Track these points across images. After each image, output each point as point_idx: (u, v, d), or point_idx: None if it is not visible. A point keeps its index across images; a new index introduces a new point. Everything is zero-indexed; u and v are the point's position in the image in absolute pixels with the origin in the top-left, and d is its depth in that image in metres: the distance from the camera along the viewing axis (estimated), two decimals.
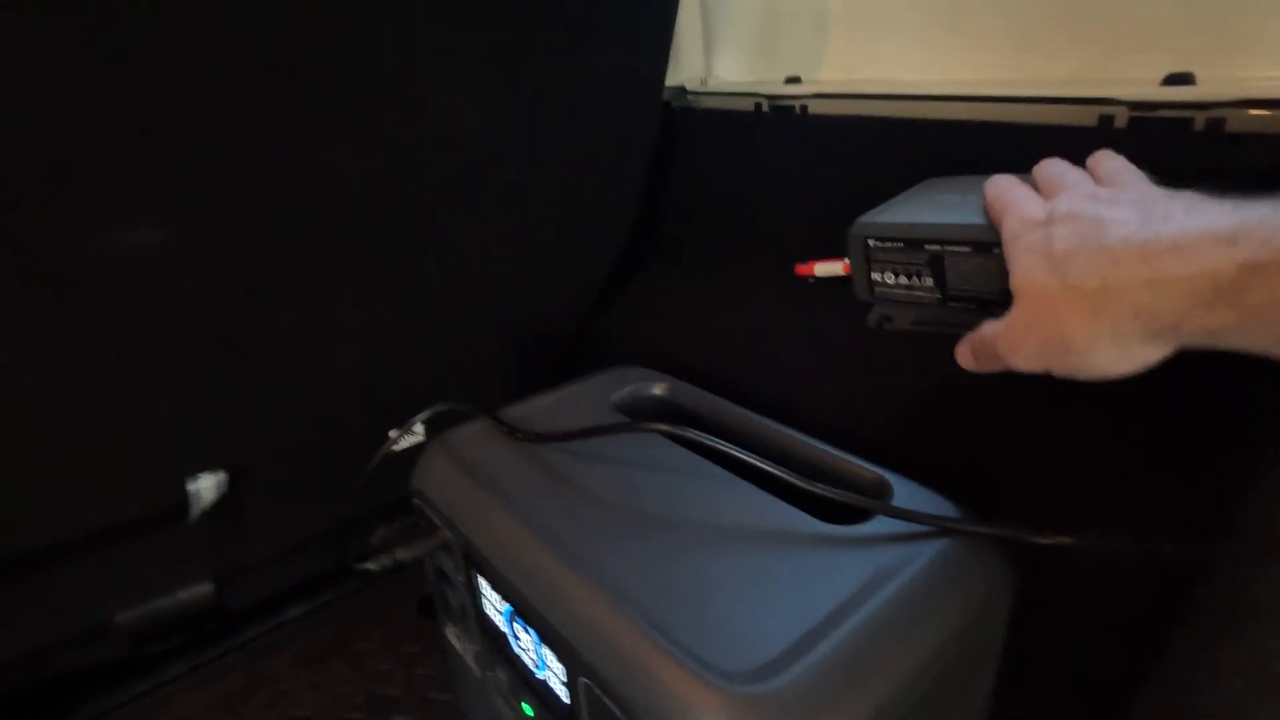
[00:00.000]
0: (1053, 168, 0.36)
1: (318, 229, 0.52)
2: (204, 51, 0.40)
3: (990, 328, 0.36)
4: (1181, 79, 0.49)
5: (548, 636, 0.35)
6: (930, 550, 0.34)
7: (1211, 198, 0.26)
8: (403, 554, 0.43)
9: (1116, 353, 0.29)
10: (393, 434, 0.57)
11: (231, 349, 0.54)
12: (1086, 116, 0.51)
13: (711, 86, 0.81)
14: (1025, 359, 0.33)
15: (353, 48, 0.46)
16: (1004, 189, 0.36)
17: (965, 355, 0.38)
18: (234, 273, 0.50)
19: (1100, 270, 0.28)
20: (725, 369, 0.60)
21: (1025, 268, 0.32)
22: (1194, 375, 0.37)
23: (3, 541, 0.53)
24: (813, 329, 0.58)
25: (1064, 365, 0.31)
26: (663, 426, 0.41)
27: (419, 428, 0.64)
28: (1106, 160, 0.34)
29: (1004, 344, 0.34)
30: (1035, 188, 0.36)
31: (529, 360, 0.77)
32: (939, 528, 0.35)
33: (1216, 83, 0.47)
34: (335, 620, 0.72)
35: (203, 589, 0.69)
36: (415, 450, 0.53)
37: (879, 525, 0.36)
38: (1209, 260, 0.24)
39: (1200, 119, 0.46)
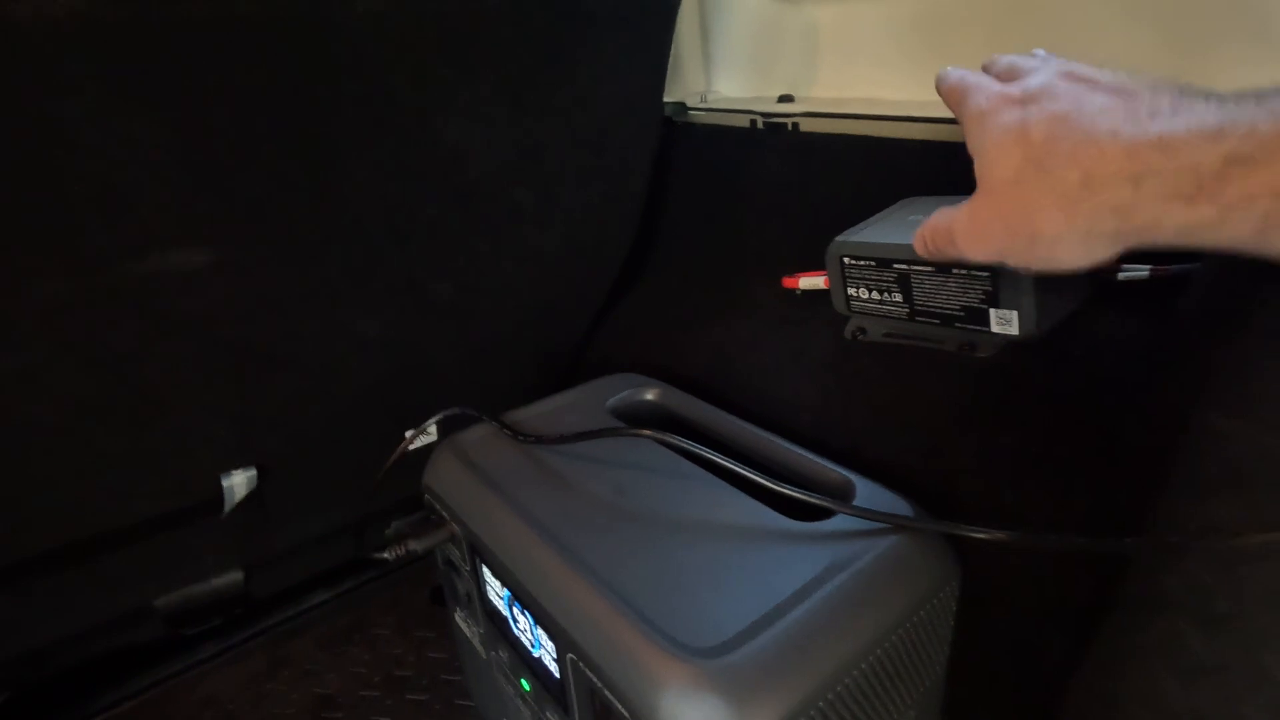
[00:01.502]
0: (1009, 57, 0.33)
1: (339, 249, 0.57)
2: (244, 95, 0.45)
3: (946, 215, 0.34)
4: None
5: (541, 619, 0.39)
6: (882, 545, 0.38)
7: (1196, 94, 0.25)
8: (415, 545, 0.47)
9: (1083, 249, 0.27)
10: (409, 434, 0.62)
11: (261, 358, 0.59)
12: None
13: (710, 103, 0.85)
14: (984, 249, 0.31)
15: (372, 86, 0.50)
16: (963, 74, 0.33)
17: (919, 243, 0.37)
18: (264, 289, 0.55)
19: (1083, 162, 0.26)
20: (715, 377, 0.64)
21: (997, 148, 0.29)
22: (1121, 390, 0.41)
23: (59, 530, 0.59)
24: (796, 340, 0.61)
25: (1025, 257, 0.30)
26: (649, 432, 0.45)
27: (432, 428, 0.69)
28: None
29: (963, 232, 0.32)
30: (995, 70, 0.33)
31: (533, 366, 0.81)
32: (891, 525, 0.39)
33: None
34: (353, 607, 0.77)
35: (233, 576, 0.75)
36: (426, 450, 0.57)
37: (839, 522, 0.40)
38: (1194, 154, 0.23)
39: None
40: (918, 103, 0.65)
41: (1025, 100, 0.28)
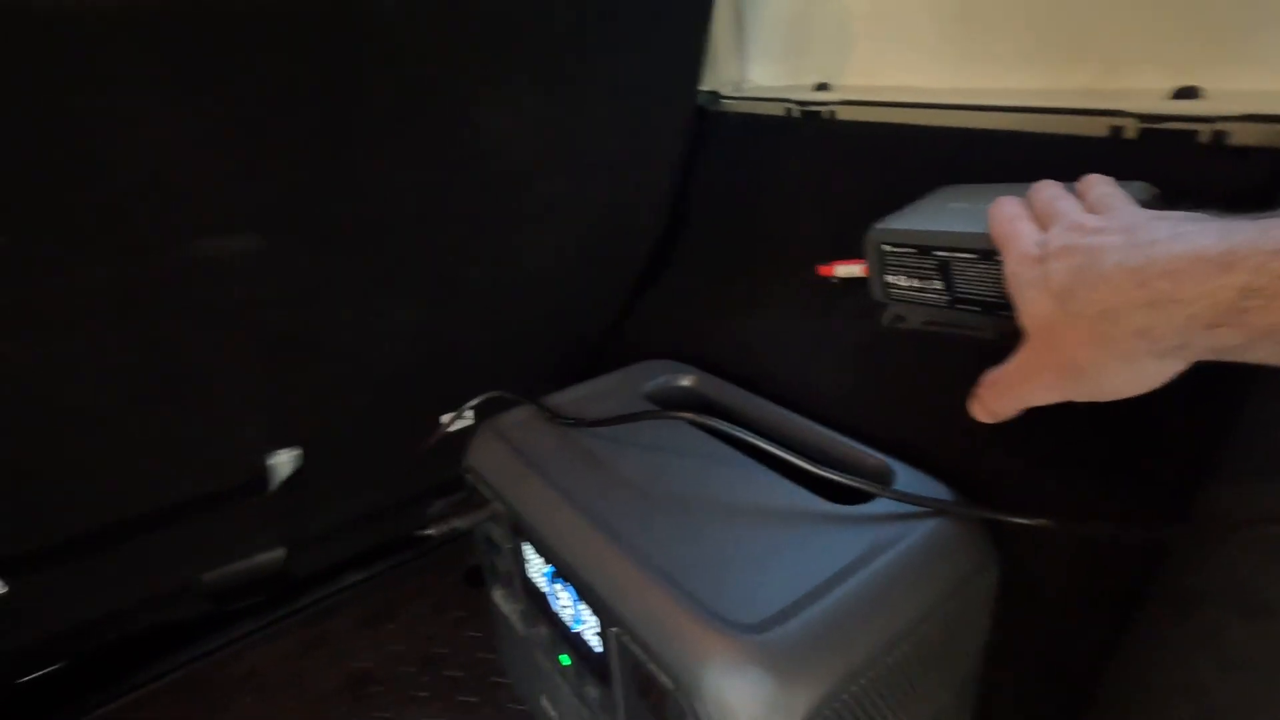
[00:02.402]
0: (1046, 192, 0.37)
1: (377, 238, 0.58)
2: (285, 86, 0.46)
3: (995, 372, 0.36)
4: (1189, 92, 0.52)
5: (584, 593, 0.40)
6: (922, 529, 0.38)
7: (1196, 217, 0.27)
8: (458, 523, 0.49)
9: (1129, 373, 0.29)
10: (444, 419, 0.63)
11: (302, 344, 0.61)
12: (1098, 127, 0.54)
13: (745, 92, 0.85)
14: (1042, 390, 0.33)
15: (409, 77, 0.51)
16: (1003, 219, 0.37)
17: (978, 408, 0.38)
18: (304, 277, 0.57)
19: (1098, 297, 0.28)
20: (749, 363, 0.64)
21: (1029, 302, 0.32)
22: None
23: (110, 508, 0.61)
24: (830, 328, 0.61)
25: (1079, 391, 0.31)
26: (688, 414, 0.46)
27: (469, 413, 0.71)
28: (1096, 185, 0.36)
29: (1018, 378, 0.34)
30: (1032, 211, 0.37)
31: (567, 353, 0.82)
32: (932, 509, 0.39)
33: (1222, 97, 0.50)
34: (389, 588, 0.79)
35: (274, 554, 0.77)
36: (460, 436, 0.59)
37: (878, 506, 0.40)
38: (1205, 285, 0.24)
39: (1205, 131, 0.49)
40: (954, 89, 0.65)
41: (1044, 259, 0.32)
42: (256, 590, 0.77)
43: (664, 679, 0.34)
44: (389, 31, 0.48)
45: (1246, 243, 0.24)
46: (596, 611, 0.39)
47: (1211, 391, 0.38)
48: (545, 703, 0.53)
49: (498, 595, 0.56)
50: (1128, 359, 0.28)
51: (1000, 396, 0.36)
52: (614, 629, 0.37)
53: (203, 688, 0.68)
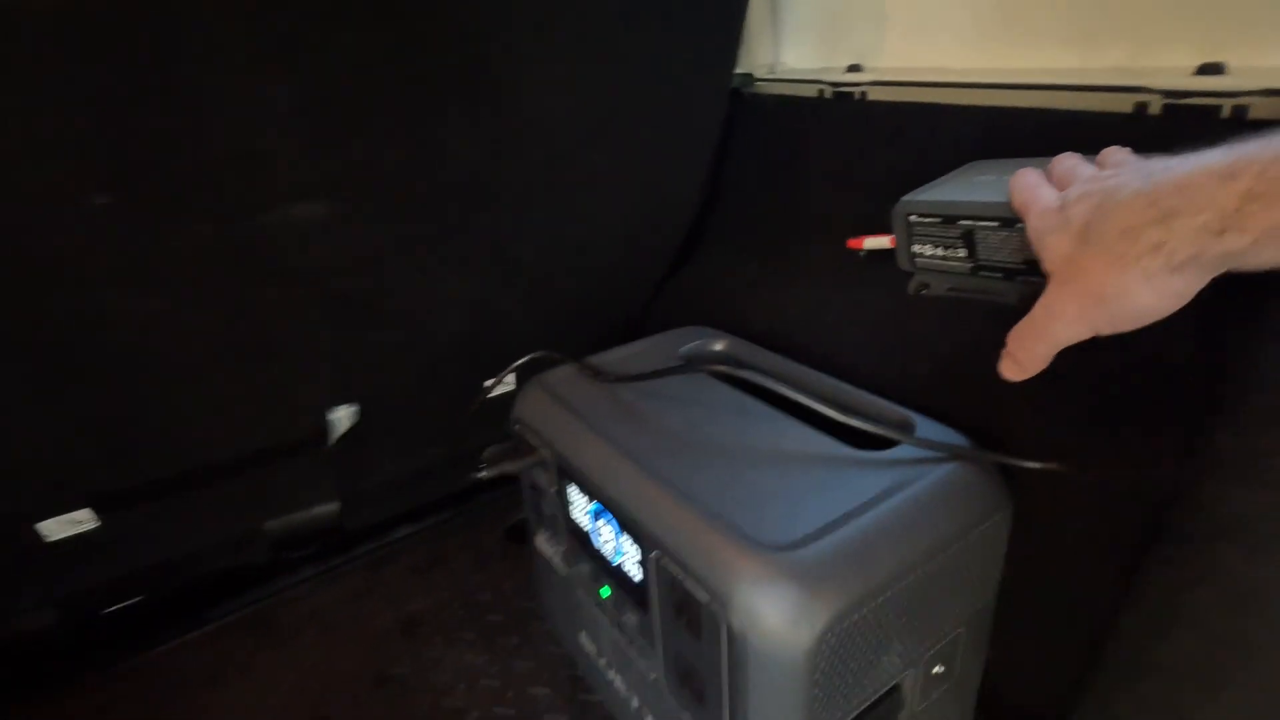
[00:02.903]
0: (1066, 162, 0.39)
1: (435, 210, 0.62)
2: (359, 63, 0.50)
3: (1022, 323, 0.38)
4: (1213, 69, 0.53)
5: (626, 525, 0.44)
6: (940, 471, 0.41)
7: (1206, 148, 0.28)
8: (509, 466, 0.53)
9: (1150, 292, 0.30)
10: (488, 384, 0.68)
11: (364, 307, 0.66)
12: (1124, 104, 0.56)
13: (779, 74, 0.87)
14: (1068, 325, 0.34)
15: (469, 56, 0.55)
16: (1024, 187, 0.39)
17: (1008, 364, 0.40)
18: (369, 245, 0.61)
19: (1115, 223, 0.30)
20: (781, 332, 0.67)
21: (1051, 248, 0.34)
22: (1172, 334, 0.43)
23: (190, 455, 0.67)
24: (858, 298, 0.64)
25: (1105, 318, 0.33)
26: (721, 367, 0.49)
27: (511, 377, 0.75)
28: (1113, 152, 0.38)
29: (1044, 320, 0.35)
30: (1052, 179, 0.39)
31: (607, 322, 0.86)
32: (949, 454, 0.42)
33: (1244, 73, 0.51)
34: (435, 542, 0.84)
35: (330, 508, 0.83)
36: (503, 401, 0.63)
37: (900, 452, 0.43)
38: (1211, 195, 0.26)
39: (1226, 106, 0.51)
40: (983, 69, 0.67)
41: (1064, 207, 0.34)
42: (313, 540, 0.82)
43: (700, 594, 0.38)
44: (454, 13, 0.52)
45: (1249, 153, 0.26)
46: (638, 540, 0.43)
47: (1218, 340, 0.40)
48: (584, 639, 0.58)
49: (540, 540, 0.60)
50: (1147, 277, 0.29)
51: (1027, 344, 0.37)
52: (654, 553, 0.41)
53: (269, 624, 0.73)
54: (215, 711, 0.64)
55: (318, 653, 0.69)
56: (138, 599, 0.74)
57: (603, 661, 0.55)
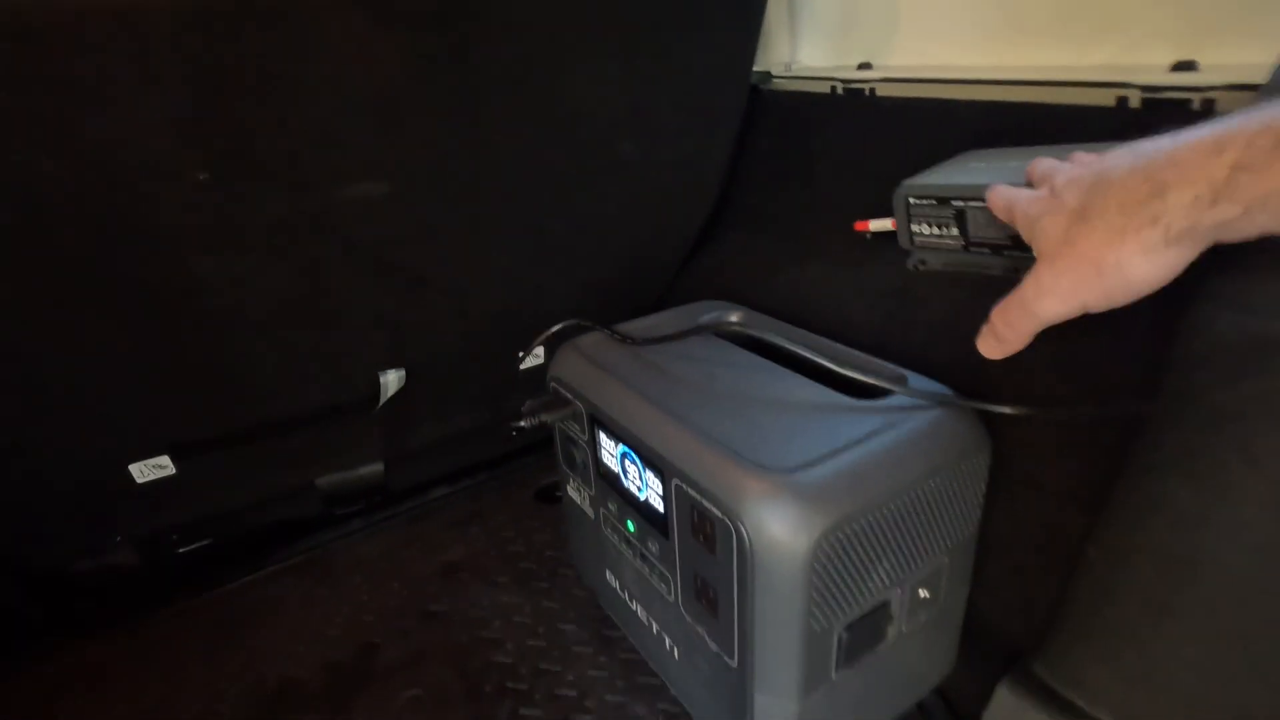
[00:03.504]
0: (1044, 164, 0.41)
1: (483, 190, 0.69)
2: (422, 53, 0.57)
3: (1007, 298, 0.39)
4: (1187, 65, 0.59)
5: (651, 462, 0.50)
6: (928, 415, 0.47)
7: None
8: (546, 416, 0.60)
9: (1147, 263, 0.32)
10: (521, 354, 0.75)
11: (416, 278, 0.73)
12: (1108, 98, 0.62)
13: (795, 72, 0.93)
14: (1059, 301, 0.36)
15: (516, 57, 0.62)
16: (1005, 193, 0.41)
17: (990, 340, 0.42)
18: (423, 220, 0.68)
19: (1113, 197, 0.31)
20: (791, 307, 0.74)
21: (1045, 230, 0.35)
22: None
23: (254, 410, 0.74)
24: (862, 276, 0.70)
25: (1100, 292, 0.34)
26: (736, 327, 0.56)
27: (540, 350, 0.82)
28: (1083, 154, 0.40)
29: (1034, 297, 0.36)
30: (1031, 179, 0.42)
31: (632, 299, 0.93)
32: (936, 401, 0.48)
33: (1214, 70, 0.57)
34: (470, 501, 0.91)
35: (375, 468, 0.90)
36: (536, 373, 0.69)
37: (891, 400, 0.49)
38: (1203, 168, 0.27)
39: (1197, 100, 0.56)
40: (982, 67, 0.73)
41: (1055, 193, 0.35)
42: (359, 498, 0.90)
43: (715, 512, 0.44)
44: (505, 19, 0.59)
45: (1234, 126, 0.27)
46: (661, 473, 0.49)
47: (1171, 297, 0.46)
48: (609, 576, 0.64)
49: (571, 488, 0.67)
50: (1145, 249, 0.31)
51: (1015, 321, 0.38)
52: (675, 481, 0.48)
53: (321, 569, 0.81)
54: (275, 639, 0.71)
55: (366, 593, 0.77)
56: (207, 542, 0.82)
57: (626, 595, 0.62)
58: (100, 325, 0.58)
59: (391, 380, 0.78)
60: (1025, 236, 0.40)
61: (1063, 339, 0.51)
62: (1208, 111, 0.55)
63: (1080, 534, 0.50)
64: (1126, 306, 0.36)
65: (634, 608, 0.61)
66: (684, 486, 0.47)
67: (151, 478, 0.71)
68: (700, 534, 0.46)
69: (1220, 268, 0.42)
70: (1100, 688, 0.52)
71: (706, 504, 0.45)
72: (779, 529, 0.41)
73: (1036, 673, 0.56)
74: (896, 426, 0.46)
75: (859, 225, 0.73)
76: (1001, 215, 0.44)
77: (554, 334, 0.68)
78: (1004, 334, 0.40)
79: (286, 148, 0.56)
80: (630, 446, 0.53)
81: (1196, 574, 0.45)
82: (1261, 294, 0.38)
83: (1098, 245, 0.32)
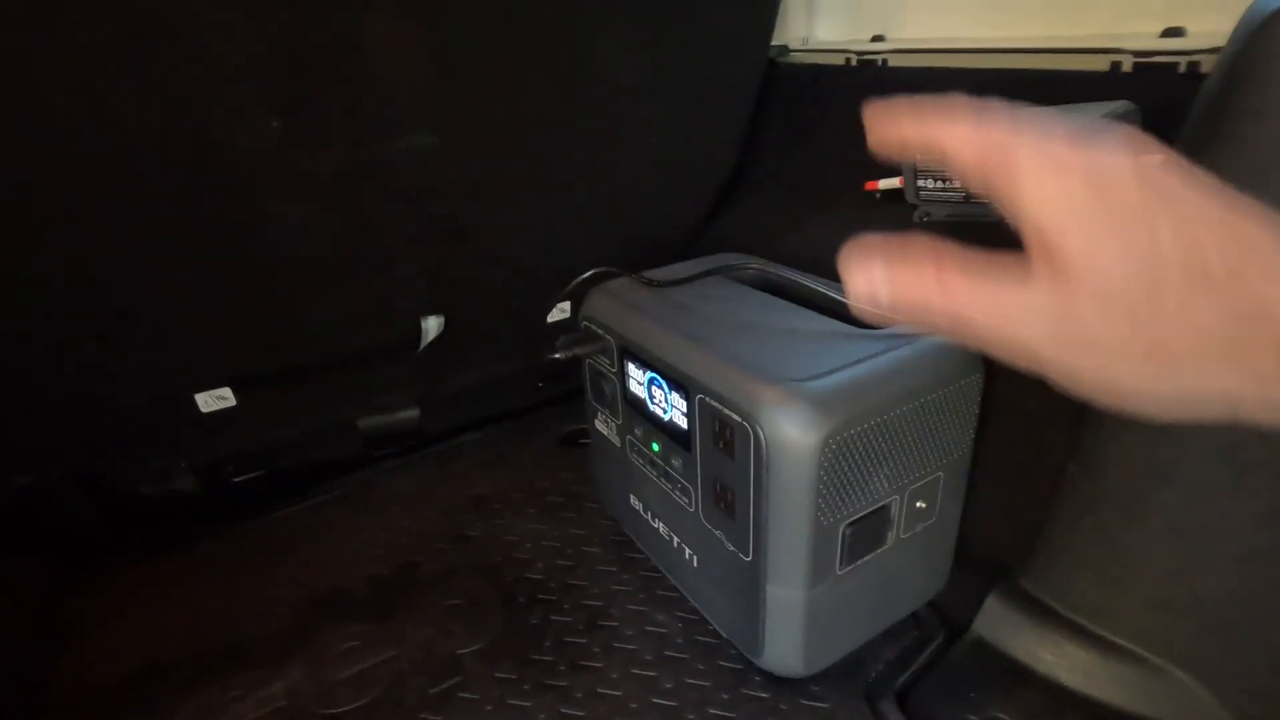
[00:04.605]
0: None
1: (523, 148, 0.75)
2: (478, 24, 0.63)
3: (975, 286, 0.20)
4: (1175, 32, 0.64)
5: (676, 383, 0.56)
6: (927, 341, 0.53)
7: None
8: (579, 350, 0.66)
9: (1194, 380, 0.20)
10: (547, 306, 0.81)
11: (457, 228, 0.79)
12: (1102, 63, 0.67)
13: (811, 45, 0.98)
14: (1045, 350, 0.22)
15: (553, 25, 0.67)
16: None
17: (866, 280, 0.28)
18: (465, 173, 0.74)
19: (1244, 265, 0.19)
20: (805, 257, 0.79)
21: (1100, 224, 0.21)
22: None
23: (309, 349, 0.81)
24: (871, 229, 0.76)
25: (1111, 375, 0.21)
26: (756, 267, 0.61)
27: (565, 305, 0.88)
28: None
29: (1017, 316, 0.24)
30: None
31: (651, 258, 0.98)
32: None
33: (1199, 35, 0.62)
34: (498, 444, 0.97)
35: (411, 413, 0.96)
36: (560, 324, 0.75)
37: (894, 330, 0.55)
38: None
39: (1183, 63, 0.61)
40: (986, 38, 0.78)
41: (1134, 162, 0.22)
42: (395, 441, 0.97)
43: (735, 418, 0.50)
44: None
45: None
46: (685, 389, 0.55)
47: None
48: (633, 500, 0.70)
49: (599, 421, 0.73)
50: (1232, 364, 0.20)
51: (966, 311, 0.23)
52: (699, 396, 0.54)
53: (361, 501, 0.87)
54: (323, 558, 0.78)
55: (403, 520, 0.83)
56: (258, 473, 0.88)
57: (649, 515, 0.68)
58: (181, 261, 0.65)
59: (432, 325, 0.85)
60: (1037, 213, 0.25)
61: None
62: (1192, 73, 0.60)
63: (1063, 457, 0.56)
64: None
65: (656, 525, 0.67)
66: (707, 399, 0.53)
67: (215, 408, 0.78)
68: (720, 441, 0.52)
69: None
70: (1078, 593, 0.58)
71: (728, 412, 0.50)
72: (791, 430, 0.47)
73: (1023, 585, 0.62)
74: (897, 349, 0.52)
75: (869, 185, 0.79)
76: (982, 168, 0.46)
77: (584, 280, 0.73)
78: (920, 299, 0.24)
79: (349, 99, 0.62)
80: (657, 371, 0.59)
81: (1162, 479, 0.51)
82: None
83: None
